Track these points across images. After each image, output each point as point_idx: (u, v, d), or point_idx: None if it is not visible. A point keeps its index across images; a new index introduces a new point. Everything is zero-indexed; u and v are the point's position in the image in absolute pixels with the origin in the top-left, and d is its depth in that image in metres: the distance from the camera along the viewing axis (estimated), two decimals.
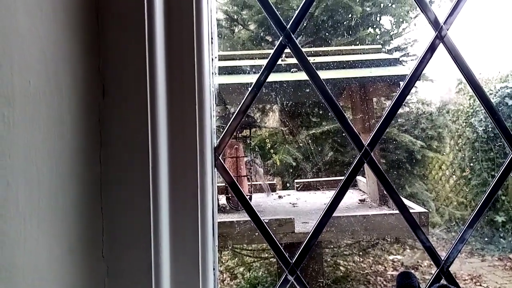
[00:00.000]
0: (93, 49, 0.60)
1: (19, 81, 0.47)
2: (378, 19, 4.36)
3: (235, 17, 4.35)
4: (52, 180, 0.52)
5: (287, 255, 0.79)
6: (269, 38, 4.28)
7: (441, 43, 0.79)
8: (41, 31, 0.50)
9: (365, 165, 0.81)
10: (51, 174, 0.52)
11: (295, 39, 0.77)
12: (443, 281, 0.79)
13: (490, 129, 4.35)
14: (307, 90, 3.11)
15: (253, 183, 3.08)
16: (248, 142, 3.28)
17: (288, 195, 3.40)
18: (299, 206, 3.06)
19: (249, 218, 0.81)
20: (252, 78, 0.79)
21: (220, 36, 4.19)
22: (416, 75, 0.80)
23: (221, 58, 3.03)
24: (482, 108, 0.81)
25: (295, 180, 3.65)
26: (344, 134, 0.78)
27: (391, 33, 4.39)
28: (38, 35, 0.50)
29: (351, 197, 3.12)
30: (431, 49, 0.79)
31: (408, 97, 4.23)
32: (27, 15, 0.48)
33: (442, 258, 0.80)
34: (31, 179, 0.49)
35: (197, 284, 0.66)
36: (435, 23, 0.79)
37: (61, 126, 0.54)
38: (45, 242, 0.51)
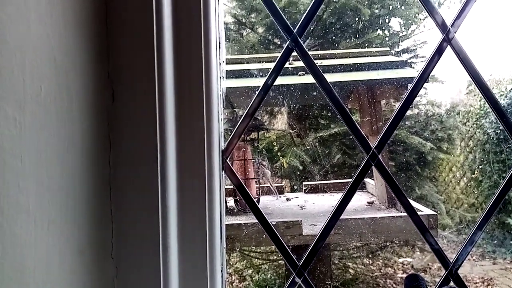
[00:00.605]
0: (102, 55, 0.61)
1: (30, 86, 0.48)
2: (386, 21, 4.34)
3: (243, 20, 4.36)
4: (62, 183, 0.53)
5: (294, 258, 0.79)
6: (277, 41, 4.28)
7: (448, 46, 0.78)
8: (51, 38, 0.51)
9: (373, 168, 0.81)
10: (61, 177, 0.53)
11: (302, 43, 0.77)
12: (451, 284, 0.78)
13: (501, 130, 4.30)
14: (314, 93, 3.11)
15: (261, 185, 3.08)
16: (256, 145, 3.29)
17: (296, 197, 3.40)
18: (307, 208, 3.05)
19: (256, 221, 0.81)
20: (260, 82, 0.79)
21: (228, 39, 4.21)
22: (424, 77, 0.80)
23: (229, 62, 3.04)
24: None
25: (303, 183, 3.65)
26: (351, 137, 0.79)
27: (400, 35, 4.36)
28: (49, 41, 0.51)
29: (359, 199, 3.10)
30: (439, 51, 0.79)
31: (418, 98, 4.20)
32: (39, 22, 0.49)
33: (451, 261, 0.80)
34: (42, 182, 0.50)
35: (205, 285, 0.67)
36: (442, 26, 0.79)
37: (71, 130, 0.55)
38: (55, 243, 0.52)
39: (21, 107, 0.47)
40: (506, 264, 4.06)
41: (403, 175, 3.91)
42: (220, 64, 0.72)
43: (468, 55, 0.79)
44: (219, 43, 0.72)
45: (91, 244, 0.58)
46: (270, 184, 3.16)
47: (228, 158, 0.76)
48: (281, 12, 0.76)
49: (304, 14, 0.78)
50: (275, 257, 4.01)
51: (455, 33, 0.78)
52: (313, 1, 0.78)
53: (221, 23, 0.73)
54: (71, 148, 0.54)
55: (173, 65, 0.64)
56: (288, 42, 0.77)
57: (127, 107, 0.61)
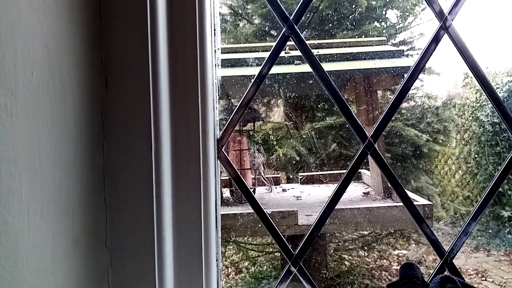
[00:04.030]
0: (96, 42, 0.60)
1: (22, 73, 0.47)
2: (384, 12, 4.32)
3: (240, 11, 4.33)
4: (55, 171, 0.52)
5: (290, 247, 0.79)
6: (274, 33, 4.26)
7: (445, 34, 0.78)
8: (43, 24, 0.51)
9: (370, 158, 0.81)
10: (54, 165, 0.52)
11: (298, 30, 0.76)
12: (446, 273, 0.79)
13: (497, 122, 4.32)
14: (311, 82, 3.09)
15: (257, 176, 3.08)
16: (252, 134, 3.28)
17: (292, 188, 3.40)
18: (303, 199, 3.06)
19: (252, 210, 0.81)
20: (255, 71, 0.79)
21: (224, 31, 4.18)
22: (420, 66, 0.80)
23: (224, 51, 3.02)
24: (489, 102, 0.81)
25: (299, 173, 3.65)
26: (348, 126, 0.78)
27: (397, 27, 4.35)
28: (41, 28, 0.50)
29: (355, 190, 3.11)
30: (436, 39, 0.79)
31: (414, 91, 4.20)
32: (30, 7, 0.49)
33: (446, 251, 0.80)
34: (34, 171, 0.49)
35: (200, 274, 0.67)
36: (439, 14, 0.78)
37: (64, 117, 0.54)
38: (49, 232, 0.51)
39: (13, 93, 0.46)
40: (500, 256, 4.09)
41: (399, 164, 3.93)
42: (215, 51, 0.71)
43: (465, 44, 0.79)
44: (214, 30, 0.71)
45: (85, 232, 0.58)
46: (263, 177, 3.16)
47: (224, 148, 0.75)
48: None
49: (300, 1, 0.77)
50: (271, 249, 4.03)
51: (452, 21, 0.78)
52: None
53: (217, 10, 0.72)
54: (64, 135, 0.54)
55: (167, 51, 0.63)
56: (284, 29, 0.76)
57: (121, 94, 0.61)
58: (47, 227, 0.51)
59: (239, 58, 2.84)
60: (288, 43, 0.79)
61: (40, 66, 0.50)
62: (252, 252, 4.12)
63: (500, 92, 4.27)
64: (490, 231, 4.32)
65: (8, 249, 0.45)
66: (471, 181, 4.63)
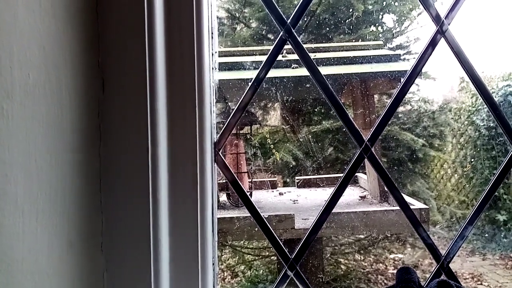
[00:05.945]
0: (92, 44, 0.60)
1: (18, 75, 0.47)
2: (380, 17, 4.34)
3: (237, 15, 4.34)
4: (51, 174, 0.52)
5: (286, 251, 0.79)
6: (271, 36, 4.27)
7: (442, 38, 0.78)
8: (40, 26, 0.50)
9: (366, 162, 0.81)
10: (50, 168, 0.52)
11: (295, 34, 0.77)
12: (443, 277, 0.79)
13: (493, 127, 4.34)
14: (308, 85, 3.10)
15: (253, 179, 3.08)
16: (249, 137, 3.28)
17: (289, 192, 3.40)
18: (299, 202, 3.06)
19: (248, 214, 0.81)
20: (253, 74, 0.79)
21: (222, 34, 4.18)
22: (417, 70, 0.80)
23: (222, 54, 3.02)
24: (484, 106, 0.81)
25: (296, 177, 3.65)
26: (344, 130, 0.78)
27: (394, 31, 4.37)
28: (38, 30, 0.50)
29: (351, 194, 3.12)
30: (432, 44, 0.79)
31: (410, 95, 4.21)
32: (26, 9, 0.48)
33: (443, 255, 0.80)
34: (30, 173, 0.49)
35: (197, 278, 0.66)
36: (436, 18, 0.78)
37: (61, 120, 0.54)
38: (44, 235, 0.51)
39: (9, 96, 0.46)
40: (496, 260, 4.10)
41: (395, 168, 3.93)
42: (212, 54, 0.71)
43: (461, 48, 0.79)
44: (212, 33, 0.71)
45: (81, 236, 0.58)
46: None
47: (221, 151, 0.75)
48: (274, 3, 0.75)
49: (298, 5, 0.77)
50: (267, 253, 4.02)
51: (448, 25, 0.78)
52: None
53: (214, 13, 0.72)
54: (60, 138, 0.54)
55: (164, 54, 0.63)
56: (281, 33, 0.76)
57: (118, 97, 0.60)
58: (43, 230, 0.51)
59: (237, 62, 2.85)
60: (286, 46, 0.79)
61: (36, 68, 0.50)
62: (249, 256, 4.11)
63: (495, 97, 4.29)
64: (486, 235, 4.34)
65: (2, 252, 0.45)
66: (467, 185, 4.65)
